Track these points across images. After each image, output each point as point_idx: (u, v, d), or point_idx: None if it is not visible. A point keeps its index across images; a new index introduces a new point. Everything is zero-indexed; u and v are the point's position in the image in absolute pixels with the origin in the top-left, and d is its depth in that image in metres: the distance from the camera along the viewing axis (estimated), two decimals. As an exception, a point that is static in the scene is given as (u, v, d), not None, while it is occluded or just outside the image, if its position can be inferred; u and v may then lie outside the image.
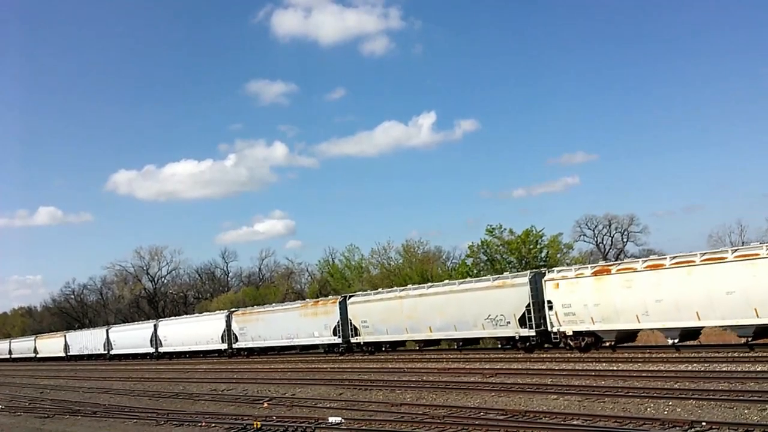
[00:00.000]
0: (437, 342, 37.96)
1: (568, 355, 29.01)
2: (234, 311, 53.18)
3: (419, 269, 58.62)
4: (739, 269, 23.86)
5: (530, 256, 52.80)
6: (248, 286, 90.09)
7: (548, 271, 31.47)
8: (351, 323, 40.87)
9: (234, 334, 50.94)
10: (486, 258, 55.33)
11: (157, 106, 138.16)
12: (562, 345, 29.95)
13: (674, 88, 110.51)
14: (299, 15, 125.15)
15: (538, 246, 53.74)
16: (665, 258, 27.33)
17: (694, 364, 22.42)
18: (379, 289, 43.20)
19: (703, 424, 13.46)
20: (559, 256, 54.27)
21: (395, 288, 42.04)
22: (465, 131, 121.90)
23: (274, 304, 53.53)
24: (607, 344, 28.62)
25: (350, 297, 42.47)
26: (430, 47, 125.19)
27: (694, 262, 25.39)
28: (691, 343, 27.25)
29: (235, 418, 20.97)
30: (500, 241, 54.47)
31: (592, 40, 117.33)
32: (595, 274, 28.76)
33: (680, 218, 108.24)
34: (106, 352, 67.62)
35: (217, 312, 56.71)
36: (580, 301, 28.76)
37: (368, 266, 69.91)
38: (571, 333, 29.25)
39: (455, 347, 36.17)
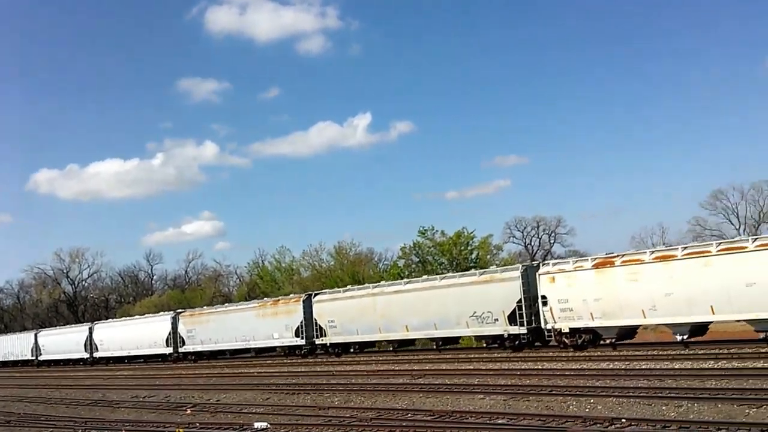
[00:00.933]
0: (413, 342, 36.33)
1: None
2: (181, 312, 50.07)
3: (351, 271, 58.44)
4: (763, 259, 22.14)
5: (461, 258, 53.36)
6: (174, 290, 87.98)
7: (543, 264, 29.57)
8: (316, 323, 38.28)
9: (181, 337, 47.83)
10: (418, 259, 55.67)
11: (82, 103, 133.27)
12: (555, 343, 28.11)
13: (601, 92, 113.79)
14: (234, 12, 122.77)
15: (469, 247, 54.39)
16: (676, 248, 25.69)
17: (616, 362, 22.95)
18: (349, 286, 40.81)
19: (623, 420, 13.74)
20: (489, 257, 55.02)
21: (367, 285, 39.65)
22: (400, 133, 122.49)
23: (227, 305, 50.22)
24: (607, 341, 26.78)
25: (316, 295, 39.88)
26: (367, 48, 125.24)
27: (710, 252, 23.70)
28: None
29: (156, 425, 20.30)
30: (432, 242, 54.89)
31: (523, 45, 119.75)
32: (596, 266, 26.79)
33: (605, 220, 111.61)
34: (34, 357, 63.81)
35: (162, 313, 53.48)
36: (579, 295, 26.89)
37: (299, 268, 69.36)
38: (567, 330, 27.38)
39: (434, 347, 34.00)
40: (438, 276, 36.08)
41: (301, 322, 38.77)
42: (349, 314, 36.59)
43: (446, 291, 32.39)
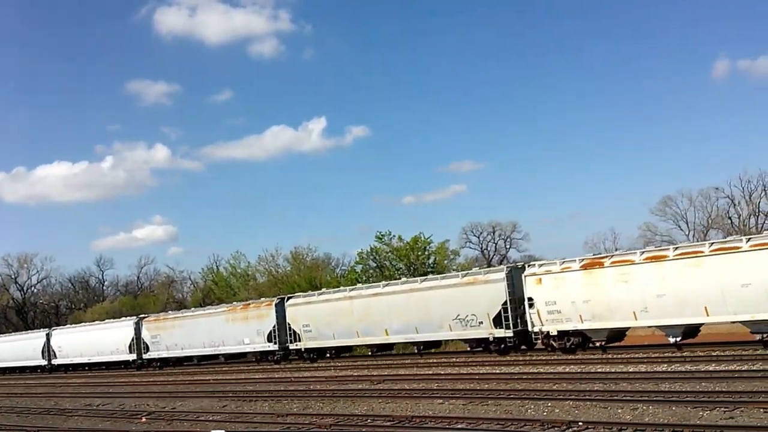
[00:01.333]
0: (392, 346, 35.36)
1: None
2: (144, 317, 48.13)
3: (308, 276, 58.18)
4: (758, 259, 21.71)
5: (418, 263, 53.65)
6: (126, 296, 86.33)
7: (528, 266, 28.71)
8: (290, 327, 36.87)
9: (145, 343, 45.99)
10: (375, 265, 55.75)
11: (28, 104, 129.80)
12: (542, 346, 27.36)
13: (553, 98, 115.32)
14: (183, 13, 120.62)
15: (426, 252, 54.71)
16: (668, 249, 25.27)
17: (572, 366, 23.31)
18: (324, 289, 39.50)
19: (580, 423, 13.93)
20: (446, 262, 55.44)
21: (343, 287, 38.42)
22: (356, 137, 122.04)
23: (194, 309, 48.09)
24: (597, 344, 26.06)
25: (289, 298, 38.43)
26: (321, 52, 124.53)
27: (702, 252, 23.30)
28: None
29: (110, 434, 19.91)
30: (389, 247, 55.05)
31: (479, 50, 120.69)
32: (584, 267, 26.06)
33: (560, 225, 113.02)
34: None
35: (124, 318, 51.59)
36: (567, 297, 26.13)
37: (255, 274, 68.79)
38: (555, 333, 26.59)
39: (416, 351, 32.89)
40: (419, 278, 35.00)
41: (274, 327, 37.41)
42: (324, 318, 35.44)
43: (428, 294, 31.39)
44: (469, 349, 30.89)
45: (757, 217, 62.65)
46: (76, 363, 52.30)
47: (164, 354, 44.87)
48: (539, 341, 27.33)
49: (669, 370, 20.43)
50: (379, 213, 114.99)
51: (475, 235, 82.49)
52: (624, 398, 16.13)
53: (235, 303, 44.64)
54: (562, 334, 26.60)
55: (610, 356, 24.82)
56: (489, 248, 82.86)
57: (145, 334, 46.18)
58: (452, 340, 33.79)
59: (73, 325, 59.62)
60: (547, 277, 27.00)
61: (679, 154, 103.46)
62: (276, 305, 37.84)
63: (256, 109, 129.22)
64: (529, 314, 27.34)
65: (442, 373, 25.44)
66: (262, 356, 39.01)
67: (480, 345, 29.99)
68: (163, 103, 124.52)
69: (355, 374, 28.58)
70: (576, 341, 26.40)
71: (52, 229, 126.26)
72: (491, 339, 28.83)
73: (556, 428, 13.95)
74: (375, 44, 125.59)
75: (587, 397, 16.76)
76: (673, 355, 23.22)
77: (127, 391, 32.76)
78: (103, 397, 30.88)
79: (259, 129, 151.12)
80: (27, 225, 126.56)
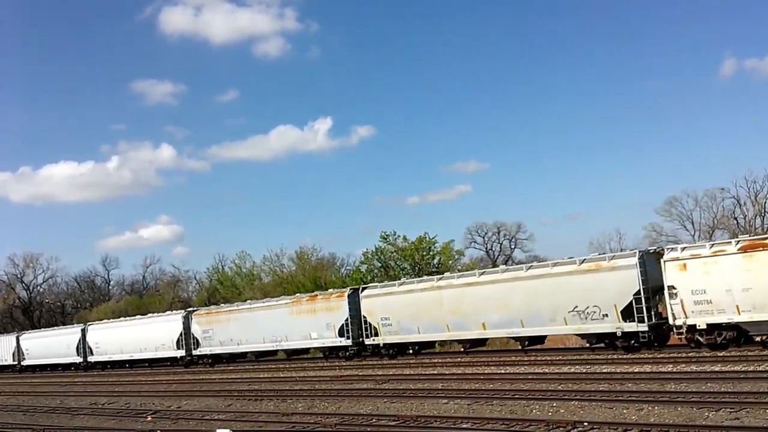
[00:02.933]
0: (485, 342, 32.07)
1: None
2: (194, 311, 45.34)
3: (312, 276, 58.31)
4: None
5: (423, 263, 53.78)
6: (131, 295, 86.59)
7: (668, 249, 25.35)
8: (365, 321, 33.91)
9: (195, 338, 43.02)
10: (380, 264, 55.87)
11: (33, 104, 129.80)
12: (685, 342, 24.31)
13: (560, 98, 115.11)
14: (189, 13, 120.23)
15: (431, 252, 54.83)
16: None
17: (577, 366, 23.30)
18: (403, 279, 36.23)
19: (585, 424, 13.92)
20: (450, 262, 55.53)
21: (427, 277, 35.01)
22: (361, 137, 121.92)
23: (250, 301, 44.03)
24: (758, 339, 23.01)
25: (364, 289, 35.58)
26: (327, 51, 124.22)
27: None
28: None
29: (116, 433, 19.99)
30: (394, 247, 55.17)
31: (484, 50, 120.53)
32: (743, 249, 22.63)
33: (564, 225, 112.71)
34: (16, 362, 58.43)
35: (171, 312, 48.51)
36: (720, 285, 22.85)
37: (260, 273, 68.97)
38: (703, 327, 23.37)
39: (521, 347, 29.47)
40: (522, 266, 31.73)
41: (347, 320, 34.45)
42: (407, 310, 32.23)
43: (536, 283, 28.03)
44: (588, 345, 27.86)
45: (763, 217, 62.37)
46: (115, 360, 49.76)
47: (217, 350, 42.06)
48: (682, 336, 24.20)
49: (674, 370, 20.39)
50: (383, 213, 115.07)
51: (480, 236, 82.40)
52: (629, 398, 16.10)
53: (299, 294, 41.44)
54: (712, 328, 23.39)
55: (615, 356, 24.79)
56: (494, 248, 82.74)
57: (196, 329, 43.25)
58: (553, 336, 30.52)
59: (111, 321, 55.56)
60: (693, 261, 23.67)
61: (684, 154, 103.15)
62: (349, 296, 35.00)
63: (261, 109, 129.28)
64: (670, 305, 24.05)
65: (447, 373, 25.44)
66: (331, 352, 36.16)
67: (602, 341, 26.79)
68: (169, 102, 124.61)
69: (360, 374, 28.61)
70: (730, 336, 23.26)
71: (58, 228, 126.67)
72: (619, 334, 25.72)
73: (561, 428, 13.94)
74: (380, 44, 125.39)
75: (592, 397, 16.74)
76: (679, 355, 23.17)
77: (133, 389, 32.85)
78: (109, 395, 30.98)
79: (264, 129, 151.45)
80: (33, 225, 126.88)
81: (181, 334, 43.79)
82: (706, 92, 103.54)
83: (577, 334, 28.60)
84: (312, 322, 36.23)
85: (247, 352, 41.03)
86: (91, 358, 51.23)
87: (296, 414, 19.81)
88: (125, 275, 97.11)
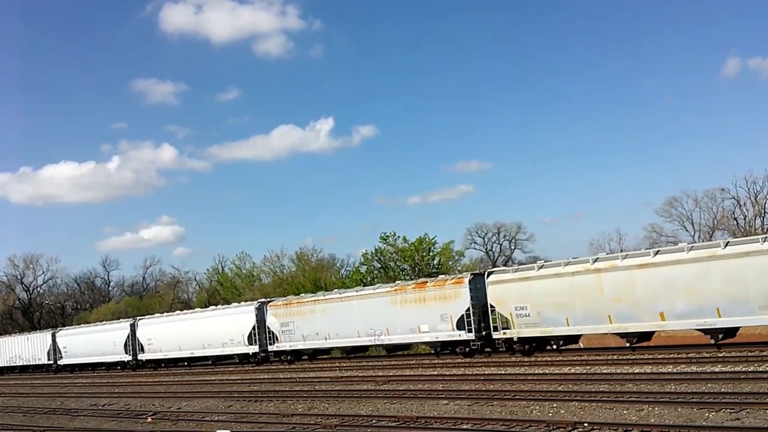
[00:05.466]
0: (649, 336, 26.10)
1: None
2: (270, 302, 40.46)
3: (312, 277, 58.39)
4: None
5: (423, 264, 53.83)
6: (131, 296, 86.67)
7: None
8: (494, 311, 28.98)
9: (271, 332, 38.66)
10: (380, 265, 55.93)
11: (33, 104, 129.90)
12: None
13: (563, 97, 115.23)
14: (189, 11, 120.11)
15: (431, 253, 54.90)
16: None
17: (577, 367, 23.30)
18: (542, 261, 29.56)
19: (586, 424, 13.93)
20: (450, 263, 55.60)
21: (581, 258, 28.37)
22: (363, 137, 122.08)
23: (341, 290, 39.54)
24: None
25: (490, 274, 30.19)
26: (330, 49, 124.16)
27: None
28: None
29: (116, 434, 19.98)
30: (394, 248, 55.24)
31: (486, 50, 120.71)
32: None
33: (564, 226, 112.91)
34: (51, 362, 54.37)
35: (242, 303, 43.76)
36: None
37: (260, 274, 69.04)
38: None
39: (713, 341, 23.80)
40: (719, 242, 24.54)
41: (467, 310, 29.87)
42: (552, 299, 27.18)
43: (740, 262, 22.66)
44: None
45: (763, 218, 62.49)
46: (171, 358, 45.43)
47: (299, 345, 37.49)
48: None
49: (675, 371, 20.37)
50: (384, 213, 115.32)
51: (480, 236, 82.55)
52: (630, 399, 16.10)
53: (400, 282, 36.88)
54: None
55: (615, 357, 24.78)
56: (494, 249, 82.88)
57: (272, 322, 38.84)
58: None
59: (168, 314, 51.19)
60: None
61: (685, 154, 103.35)
62: (470, 283, 30.18)
63: (263, 108, 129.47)
64: None
65: (448, 373, 25.44)
66: (444, 348, 31.66)
67: None
68: (170, 102, 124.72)
69: (360, 375, 28.61)
70: None
71: (58, 229, 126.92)
72: None
73: (561, 429, 13.95)
74: (383, 43, 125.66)
75: (593, 398, 16.74)
76: (679, 356, 23.18)
77: (133, 391, 32.85)
78: (109, 397, 30.99)
79: (266, 129, 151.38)
80: (33, 225, 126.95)
81: (253, 328, 39.35)
82: (709, 92, 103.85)
83: None
84: (421, 313, 31.72)
85: (336, 348, 37.41)
86: (141, 356, 46.89)
87: (296, 415, 19.79)
88: (125, 276, 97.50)
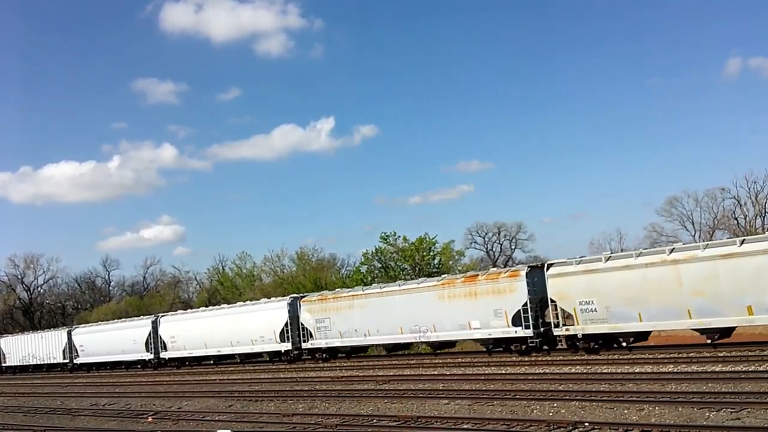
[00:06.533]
0: (730, 332, 24.43)
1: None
2: (303, 296, 38.87)
3: (313, 277, 58.40)
4: None
5: (423, 263, 53.80)
6: (132, 296, 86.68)
7: None
8: (556, 306, 27.11)
9: (305, 328, 37.05)
10: (380, 265, 55.92)
11: (33, 103, 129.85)
12: None
13: (563, 97, 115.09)
14: (190, 10, 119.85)
15: (431, 253, 54.87)
16: None
17: (577, 367, 23.30)
18: (608, 252, 27.60)
19: (586, 424, 13.92)
20: (451, 263, 55.58)
21: (656, 249, 27.21)
22: (364, 137, 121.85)
23: (380, 285, 37.91)
24: None
25: (550, 266, 27.99)
26: (330, 48, 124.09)
27: None
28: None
29: (117, 434, 19.99)
30: (394, 248, 55.23)
31: (487, 50, 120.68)
32: None
33: (564, 226, 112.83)
34: (67, 360, 53.07)
35: (273, 299, 42.05)
36: None
37: (260, 274, 69.06)
38: None
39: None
40: None
41: (525, 305, 28.03)
42: (622, 292, 25.37)
43: None
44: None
45: (764, 217, 62.48)
46: (196, 356, 43.72)
47: (336, 342, 35.99)
48: None
49: (675, 370, 20.39)
50: (385, 213, 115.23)
51: (480, 236, 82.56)
52: (630, 399, 16.10)
53: (447, 276, 35.20)
54: None
55: (616, 357, 24.78)
56: (494, 249, 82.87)
57: (306, 318, 37.19)
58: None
59: (192, 311, 49.50)
60: None
61: (685, 154, 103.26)
62: (527, 275, 28.34)
63: (263, 108, 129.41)
64: None
65: (448, 373, 25.45)
66: (496, 344, 30.10)
67: None
68: (170, 101, 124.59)
69: (361, 374, 28.62)
70: None
71: (59, 229, 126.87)
72: None
73: (561, 429, 13.95)
74: (384, 42, 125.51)
75: (593, 397, 16.73)
76: (679, 355, 23.19)
77: (134, 390, 32.87)
78: (110, 396, 31.00)
79: (266, 128, 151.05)
80: (33, 225, 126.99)
81: (286, 324, 37.64)
82: (710, 91, 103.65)
83: None
84: (471, 308, 29.95)
85: (377, 345, 35.72)
86: (164, 355, 45.20)
87: (297, 415, 19.78)
88: (125, 276, 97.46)
